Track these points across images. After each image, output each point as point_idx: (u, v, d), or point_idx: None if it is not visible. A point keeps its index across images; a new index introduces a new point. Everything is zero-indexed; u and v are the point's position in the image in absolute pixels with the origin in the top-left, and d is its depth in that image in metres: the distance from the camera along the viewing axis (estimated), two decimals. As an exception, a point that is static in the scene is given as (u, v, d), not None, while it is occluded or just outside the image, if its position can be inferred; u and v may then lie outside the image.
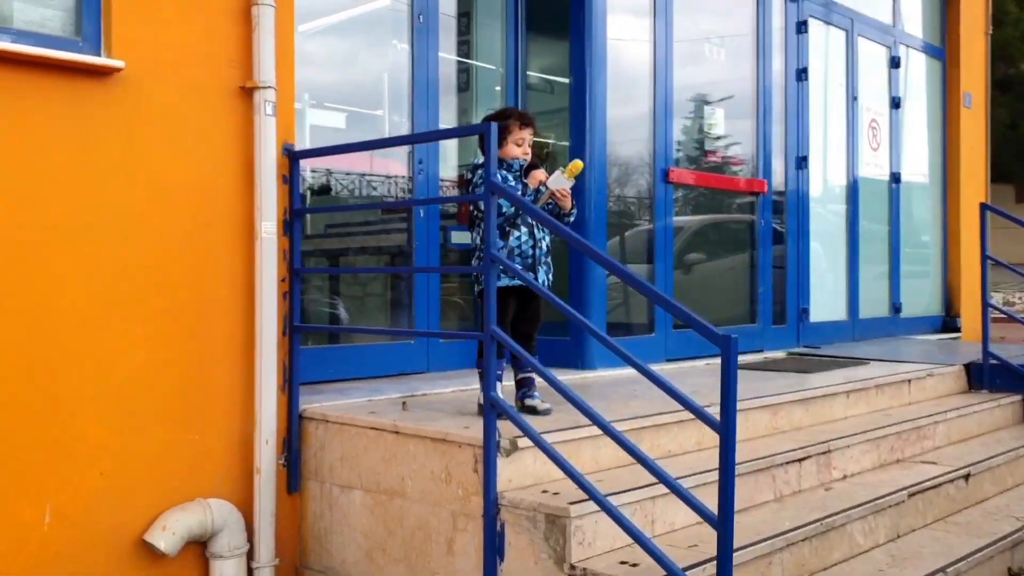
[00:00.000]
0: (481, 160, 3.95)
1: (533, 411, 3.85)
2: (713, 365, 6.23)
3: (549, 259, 4.03)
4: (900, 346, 7.72)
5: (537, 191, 3.88)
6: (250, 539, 3.97)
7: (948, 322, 9.08)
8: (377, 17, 5.46)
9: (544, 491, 3.39)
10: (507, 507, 3.32)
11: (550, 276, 3.98)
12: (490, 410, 3.31)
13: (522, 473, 3.47)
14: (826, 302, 7.74)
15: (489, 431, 3.32)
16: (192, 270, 3.85)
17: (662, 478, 2.87)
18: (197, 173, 3.86)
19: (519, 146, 3.98)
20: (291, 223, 4.10)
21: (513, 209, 3.80)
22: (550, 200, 3.86)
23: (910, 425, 4.96)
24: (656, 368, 5.92)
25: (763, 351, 6.87)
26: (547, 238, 4.03)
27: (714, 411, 2.84)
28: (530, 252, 3.90)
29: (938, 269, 9.19)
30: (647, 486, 3.48)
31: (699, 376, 5.54)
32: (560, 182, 3.82)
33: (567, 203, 3.90)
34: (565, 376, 5.52)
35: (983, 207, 6.63)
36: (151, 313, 3.74)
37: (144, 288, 3.72)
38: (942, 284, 9.22)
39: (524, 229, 3.92)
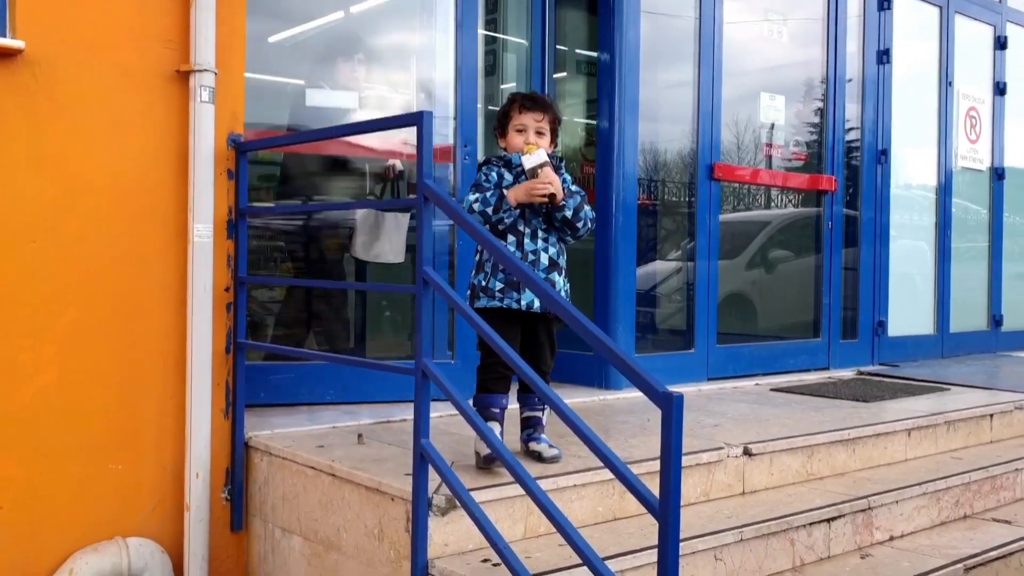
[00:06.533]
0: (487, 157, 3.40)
1: (538, 457, 3.22)
2: (763, 385, 5.52)
3: (555, 275, 3.26)
4: (998, 367, 6.77)
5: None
6: (181, 583, 3.51)
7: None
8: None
9: (485, 560, 2.80)
10: (437, 579, 2.75)
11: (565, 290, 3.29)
12: (420, 461, 2.74)
13: (464, 536, 2.87)
14: (909, 314, 6.85)
15: (419, 486, 2.75)
16: (116, 278, 3.37)
17: (583, 555, 2.23)
18: (123, 167, 3.38)
19: (520, 132, 3.25)
20: (236, 224, 3.60)
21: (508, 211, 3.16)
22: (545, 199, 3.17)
23: (983, 473, 4.15)
24: (694, 389, 5.31)
25: (828, 369, 6.08)
26: (551, 249, 3.27)
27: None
28: None
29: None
30: (619, 555, 2.85)
31: (736, 402, 4.83)
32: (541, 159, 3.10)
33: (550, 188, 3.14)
34: (585, 398, 4.92)
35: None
36: (65, 326, 3.28)
37: (56, 297, 3.26)
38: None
39: (512, 238, 3.21)
